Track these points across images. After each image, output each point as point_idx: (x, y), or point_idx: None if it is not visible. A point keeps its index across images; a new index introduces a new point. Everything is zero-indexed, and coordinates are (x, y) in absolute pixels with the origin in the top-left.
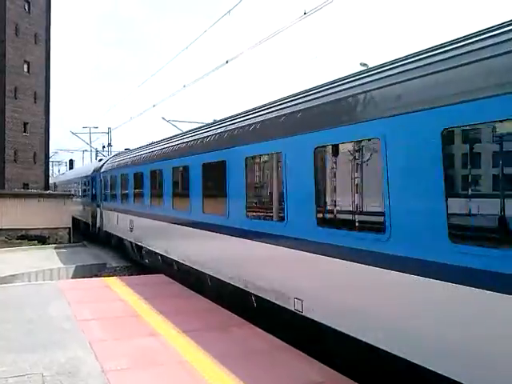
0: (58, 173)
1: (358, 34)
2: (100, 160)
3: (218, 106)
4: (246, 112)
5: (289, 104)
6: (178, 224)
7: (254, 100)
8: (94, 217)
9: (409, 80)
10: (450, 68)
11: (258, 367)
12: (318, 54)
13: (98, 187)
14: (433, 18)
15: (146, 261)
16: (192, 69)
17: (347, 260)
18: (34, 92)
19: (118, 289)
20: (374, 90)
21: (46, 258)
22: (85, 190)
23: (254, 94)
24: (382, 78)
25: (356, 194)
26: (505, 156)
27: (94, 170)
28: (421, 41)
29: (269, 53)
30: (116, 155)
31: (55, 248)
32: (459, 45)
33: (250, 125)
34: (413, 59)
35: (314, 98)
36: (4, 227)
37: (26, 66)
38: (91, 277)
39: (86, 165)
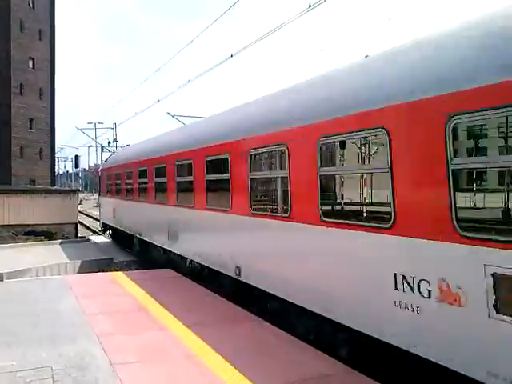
0: (64, 169)
1: (362, 25)
2: None
3: (223, 100)
4: None
5: None
6: None
7: (258, 93)
8: None
9: None
10: None
11: (266, 361)
12: (323, 47)
13: None
14: (440, 8)
15: None
16: (197, 64)
17: None
18: (40, 88)
19: (125, 283)
20: None
21: (53, 253)
22: None
23: (259, 86)
24: None
25: None
26: None
27: None
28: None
29: (274, 46)
30: None
31: (62, 243)
32: None
33: None
34: None
35: None
36: (11, 223)
37: (30, 62)
38: (98, 271)
39: None
